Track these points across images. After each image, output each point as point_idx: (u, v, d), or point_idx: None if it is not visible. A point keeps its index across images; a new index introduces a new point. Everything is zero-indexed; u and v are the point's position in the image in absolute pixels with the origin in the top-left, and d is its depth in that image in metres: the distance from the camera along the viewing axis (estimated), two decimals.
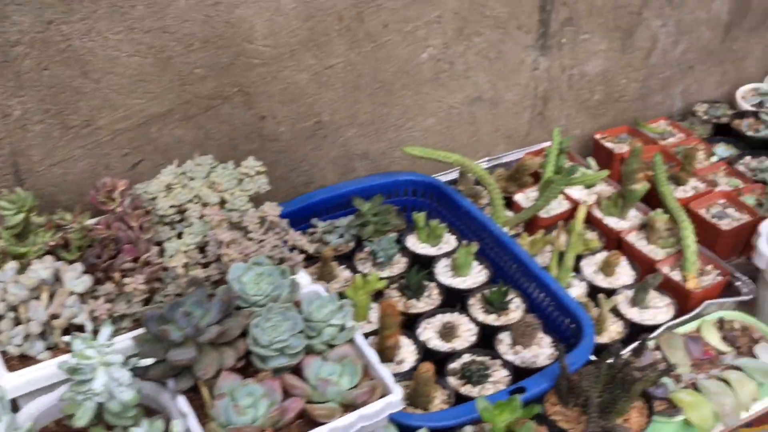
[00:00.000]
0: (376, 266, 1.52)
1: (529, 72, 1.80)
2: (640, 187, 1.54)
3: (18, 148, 1.25)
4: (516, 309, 1.42)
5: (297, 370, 1.07)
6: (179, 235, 1.25)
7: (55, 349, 1.08)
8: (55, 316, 1.05)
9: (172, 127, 1.38)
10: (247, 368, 1.07)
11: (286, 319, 1.06)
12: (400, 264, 1.53)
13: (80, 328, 1.08)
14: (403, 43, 1.57)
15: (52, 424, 1.06)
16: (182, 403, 1.03)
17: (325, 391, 1.04)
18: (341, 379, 1.06)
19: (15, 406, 1.04)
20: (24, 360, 1.05)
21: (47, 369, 1.04)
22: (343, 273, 1.51)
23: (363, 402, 1.04)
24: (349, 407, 1.04)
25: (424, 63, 1.63)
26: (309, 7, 1.40)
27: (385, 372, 1.08)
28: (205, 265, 1.18)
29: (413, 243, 1.59)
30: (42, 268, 1.04)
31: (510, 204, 1.70)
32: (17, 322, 1.05)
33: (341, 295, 1.42)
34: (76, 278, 1.08)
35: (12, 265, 1.11)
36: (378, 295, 1.44)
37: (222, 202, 1.27)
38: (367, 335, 1.35)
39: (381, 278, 1.42)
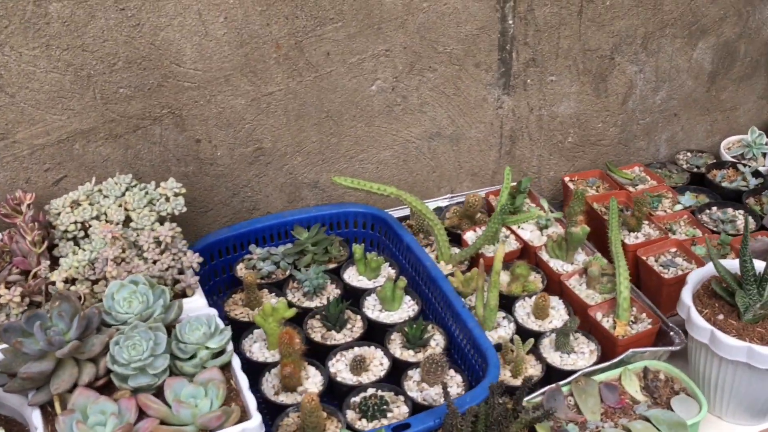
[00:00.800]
0: (305, 296, 1.49)
1: (492, 110, 1.75)
2: (580, 230, 1.47)
3: None
4: (435, 346, 1.36)
5: (161, 391, 1.04)
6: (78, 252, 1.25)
7: None
8: None
9: (97, 145, 1.39)
10: (110, 386, 1.05)
11: (149, 338, 1.03)
12: (332, 294, 1.49)
13: None
14: (348, 75, 1.56)
15: None
16: (36, 416, 1.01)
17: (179, 413, 1.00)
18: (201, 402, 1.02)
19: None
20: None
21: None
22: (271, 300, 1.48)
23: (217, 426, 1.00)
24: (203, 431, 1.00)
25: (374, 96, 1.61)
26: (242, 33, 1.41)
27: (250, 398, 1.04)
28: (94, 282, 1.17)
29: (351, 275, 1.55)
30: None
31: (459, 241, 1.64)
32: None
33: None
34: None
35: None
36: (300, 324, 1.41)
37: (127, 221, 1.27)
38: (274, 364, 1.31)
39: (298, 306, 1.39)
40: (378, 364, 1.33)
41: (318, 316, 1.44)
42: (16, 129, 1.31)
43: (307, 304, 1.47)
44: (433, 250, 1.63)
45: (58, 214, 1.26)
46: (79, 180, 1.41)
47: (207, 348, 1.08)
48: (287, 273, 1.55)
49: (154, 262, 1.18)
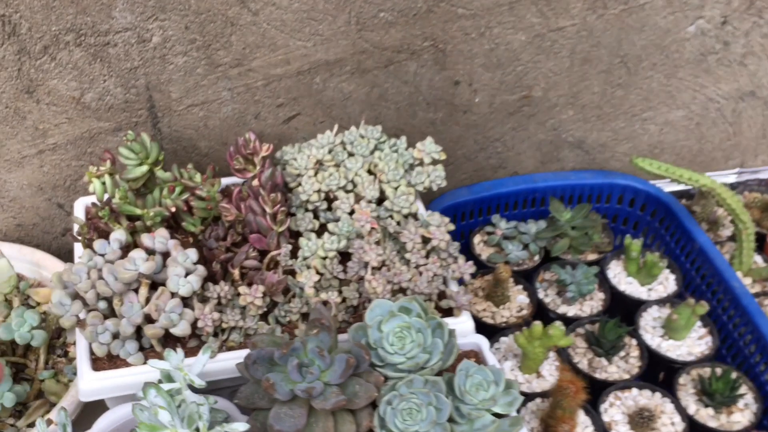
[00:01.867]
0: (561, 298, 1.18)
1: None
2: None
3: (155, 82, 1.01)
4: (745, 408, 1.03)
5: None
6: (321, 229, 0.98)
7: (149, 350, 0.86)
8: (149, 319, 0.82)
9: (341, 80, 1.08)
10: None
11: (430, 403, 0.76)
12: (594, 300, 1.18)
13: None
14: (665, 10, 1.15)
15: None
16: None
17: None
18: None
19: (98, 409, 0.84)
20: (113, 360, 0.84)
21: (134, 375, 0.83)
22: (518, 297, 1.18)
23: None
24: None
25: (689, 39, 1.20)
26: None
27: None
28: (343, 282, 0.90)
29: (617, 274, 1.22)
30: (141, 258, 0.81)
31: (762, 245, 1.27)
32: (110, 312, 0.84)
33: (508, 327, 1.11)
34: (184, 273, 0.83)
35: (118, 235, 0.89)
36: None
37: (380, 199, 0.97)
38: (532, 395, 1.03)
39: (552, 312, 1.09)
40: (668, 422, 1.02)
41: (582, 331, 1.13)
42: (253, 55, 1.01)
43: (563, 309, 1.17)
44: (724, 251, 1.27)
45: (299, 175, 0.98)
46: (311, 119, 1.12)
47: (492, 413, 0.80)
48: (535, 258, 1.24)
49: (419, 269, 0.90)
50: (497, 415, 0.82)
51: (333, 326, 0.78)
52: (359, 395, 0.77)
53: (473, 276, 1.17)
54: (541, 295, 1.19)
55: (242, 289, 0.84)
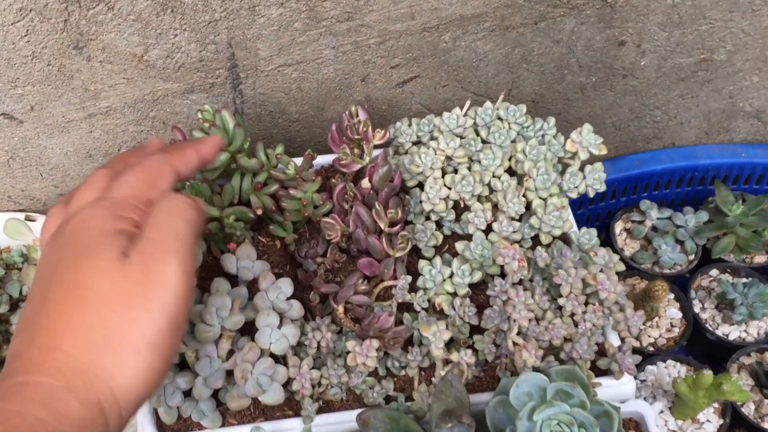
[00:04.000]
0: (722, 314, 0.96)
1: None
2: None
3: (239, 38, 0.79)
4: None
5: None
6: (443, 242, 0.77)
7: (224, 407, 0.68)
8: (229, 373, 0.64)
9: (476, 38, 0.84)
10: None
11: None
12: (762, 320, 0.96)
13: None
14: None
15: None
16: None
17: None
18: None
19: None
20: (182, 420, 0.67)
21: None
22: (669, 310, 0.96)
23: None
24: None
25: None
26: None
27: None
28: (475, 330, 0.70)
29: None
30: (225, 308, 0.61)
31: None
32: (180, 361, 0.66)
33: (657, 353, 0.90)
34: (277, 323, 0.64)
35: None
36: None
37: (525, 211, 0.75)
38: None
39: (730, 346, 0.88)
40: None
41: (747, 362, 0.92)
42: (369, 7, 0.77)
43: (724, 329, 0.95)
44: None
45: (420, 173, 0.76)
46: (432, 82, 0.88)
47: None
48: (690, 258, 1.01)
49: (573, 319, 0.69)
50: None
51: (473, 424, 0.58)
52: None
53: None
54: (697, 308, 0.97)
55: (350, 344, 0.65)
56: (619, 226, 1.05)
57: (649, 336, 0.94)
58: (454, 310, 0.70)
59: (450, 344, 0.69)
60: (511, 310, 0.66)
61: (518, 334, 0.66)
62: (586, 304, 0.70)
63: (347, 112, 0.76)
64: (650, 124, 1.03)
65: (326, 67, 0.84)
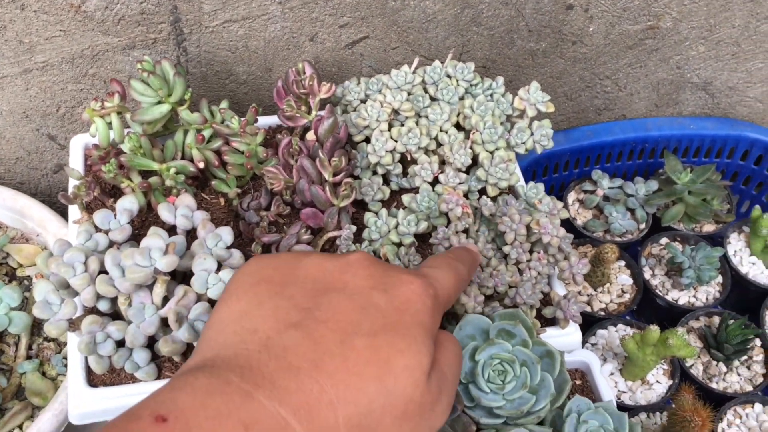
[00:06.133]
0: (672, 280, 0.97)
1: None
2: None
3: None
4: None
5: None
6: (391, 197, 0.76)
7: (163, 359, 0.66)
8: (165, 323, 0.62)
9: None
10: None
11: None
12: (710, 285, 0.97)
13: None
14: None
15: None
16: None
17: None
18: None
19: None
20: (116, 372, 0.65)
21: (143, 395, 0.63)
22: (620, 276, 0.97)
23: None
24: None
25: None
26: None
27: None
28: None
29: (737, 251, 1.00)
30: (158, 250, 0.59)
31: None
32: (113, 311, 0.64)
33: (608, 317, 0.90)
34: (215, 267, 0.62)
35: (127, 204, 0.68)
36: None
37: (471, 165, 0.75)
38: (635, 408, 0.84)
39: (679, 310, 0.89)
40: None
41: (696, 325, 0.93)
42: None
43: (673, 295, 0.96)
44: None
45: (365, 127, 0.75)
46: (382, 44, 0.88)
47: None
48: (641, 227, 1.02)
49: (518, 267, 0.68)
50: None
51: None
52: None
53: None
54: (647, 274, 0.97)
55: None
56: (572, 197, 1.05)
57: (600, 301, 0.94)
58: (399, 259, 0.69)
59: None
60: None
61: None
62: (531, 252, 0.69)
63: (293, 69, 0.75)
64: (601, 95, 1.04)
65: (273, 24, 0.83)
